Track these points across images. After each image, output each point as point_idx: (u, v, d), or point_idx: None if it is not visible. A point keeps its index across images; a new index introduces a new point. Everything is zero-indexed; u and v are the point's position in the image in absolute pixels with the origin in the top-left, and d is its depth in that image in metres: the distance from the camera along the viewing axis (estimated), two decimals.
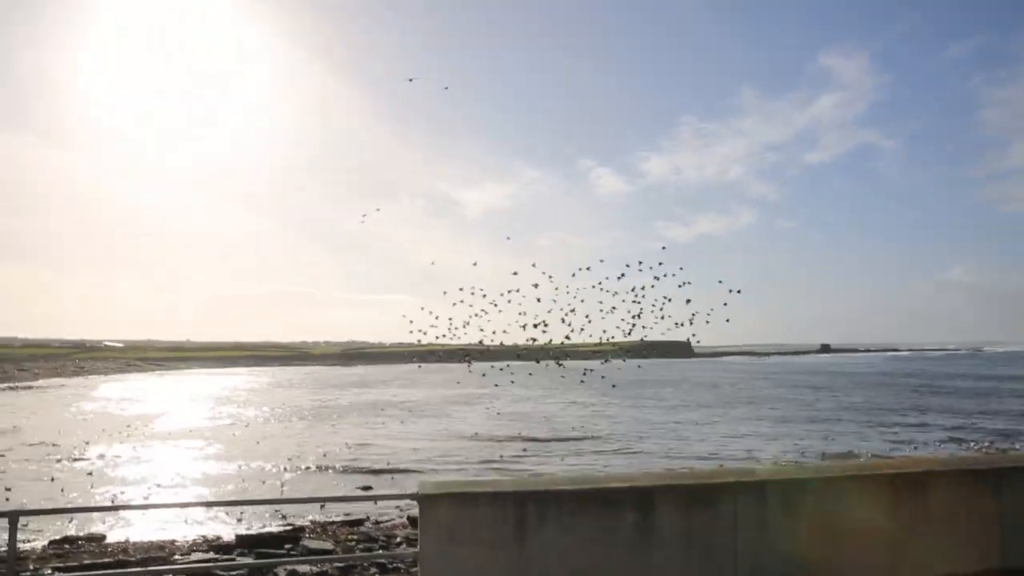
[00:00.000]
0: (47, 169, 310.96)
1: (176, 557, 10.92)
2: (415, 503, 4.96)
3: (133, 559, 10.49)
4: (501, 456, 23.91)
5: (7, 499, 17.20)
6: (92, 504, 16.69)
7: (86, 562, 10.33)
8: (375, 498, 6.13)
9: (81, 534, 12.81)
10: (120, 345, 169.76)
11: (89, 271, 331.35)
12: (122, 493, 18.02)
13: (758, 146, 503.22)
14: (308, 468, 22.01)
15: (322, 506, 15.10)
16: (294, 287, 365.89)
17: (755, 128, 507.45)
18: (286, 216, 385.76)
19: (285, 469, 21.76)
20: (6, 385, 66.72)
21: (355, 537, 12.35)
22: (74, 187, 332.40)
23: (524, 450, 25.41)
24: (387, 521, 14.17)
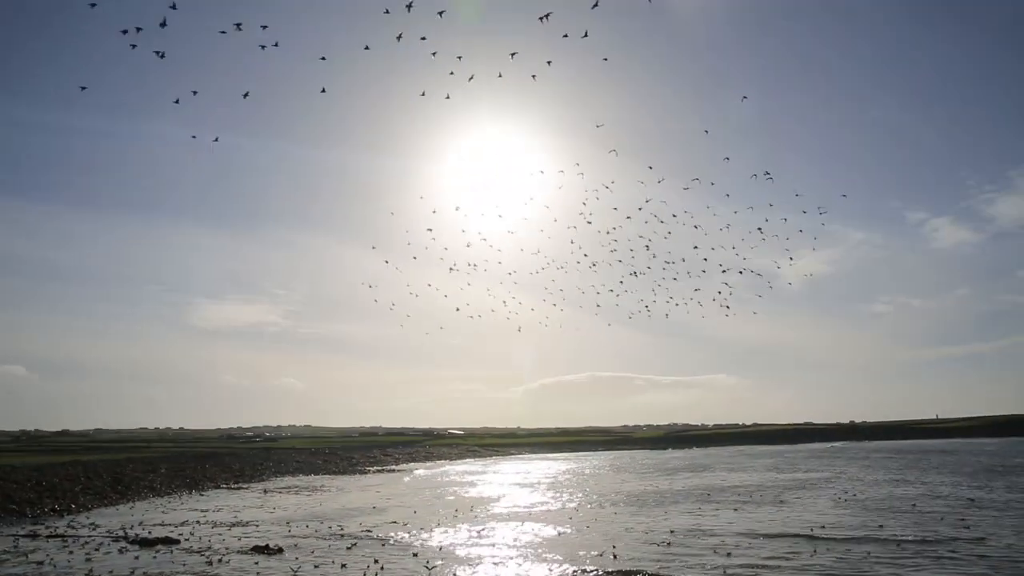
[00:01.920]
0: (404, 283, 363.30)
1: None
2: None
3: None
4: (867, 554, 20.42)
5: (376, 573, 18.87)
6: None
7: None
8: None
9: None
10: (461, 432, 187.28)
11: (433, 367, 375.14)
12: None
13: None
14: (639, 557, 20.99)
15: None
16: (612, 371, 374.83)
17: None
18: (596, 303, 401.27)
19: (614, 556, 20.99)
20: (375, 468, 76.63)
21: None
22: (432, 299, 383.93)
23: (888, 550, 21.55)
24: None
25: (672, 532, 25.47)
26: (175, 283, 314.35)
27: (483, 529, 27.43)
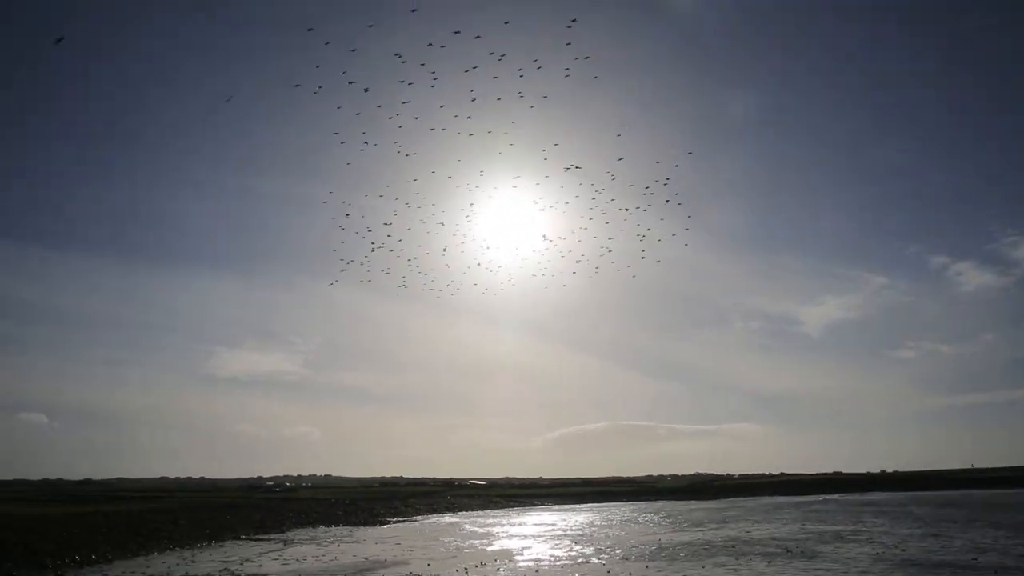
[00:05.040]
0: (428, 331, 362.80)
1: None
2: None
3: None
4: None
5: None
6: None
7: None
8: None
9: None
10: (483, 483, 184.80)
11: (453, 415, 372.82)
12: None
13: None
14: None
15: None
16: (634, 420, 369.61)
17: None
18: (616, 350, 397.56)
19: None
20: (396, 519, 75.58)
21: None
22: (449, 345, 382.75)
23: None
24: None
25: None
26: (193, 331, 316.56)
27: None
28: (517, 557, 37.21)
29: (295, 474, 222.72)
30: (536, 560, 35.69)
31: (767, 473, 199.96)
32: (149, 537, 44.97)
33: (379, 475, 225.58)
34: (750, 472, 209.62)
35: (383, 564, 34.32)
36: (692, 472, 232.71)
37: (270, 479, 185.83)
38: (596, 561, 34.89)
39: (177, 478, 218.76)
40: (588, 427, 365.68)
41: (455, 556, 38.06)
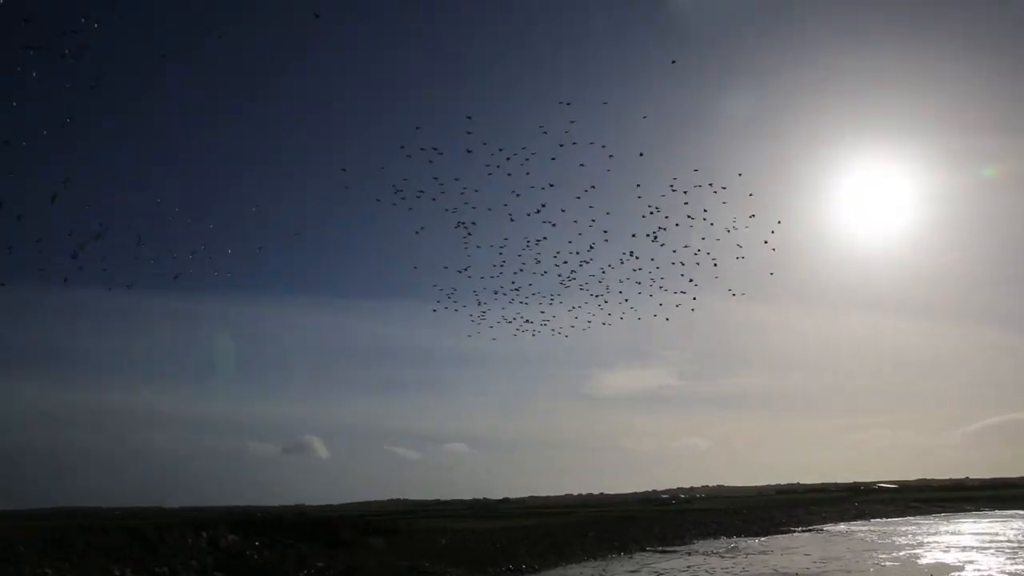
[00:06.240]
0: (798, 327, 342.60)
1: None
2: None
3: None
4: None
5: None
6: None
7: None
8: None
9: None
10: (893, 486, 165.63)
11: (850, 413, 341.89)
12: None
13: None
14: None
15: None
16: None
17: None
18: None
19: None
20: (800, 528, 71.27)
21: None
22: (821, 338, 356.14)
23: None
24: None
25: None
26: (571, 359, 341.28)
27: None
28: (958, 573, 32.15)
29: (687, 485, 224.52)
30: None
31: None
32: (564, 549, 48.72)
33: (773, 482, 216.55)
34: None
35: None
36: None
37: (663, 492, 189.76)
38: None
39: (580, 494, 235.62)
40: (1018, 417, 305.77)
41: (879, 569, 34.29)
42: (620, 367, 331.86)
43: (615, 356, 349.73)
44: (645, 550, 51.84)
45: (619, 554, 48.59)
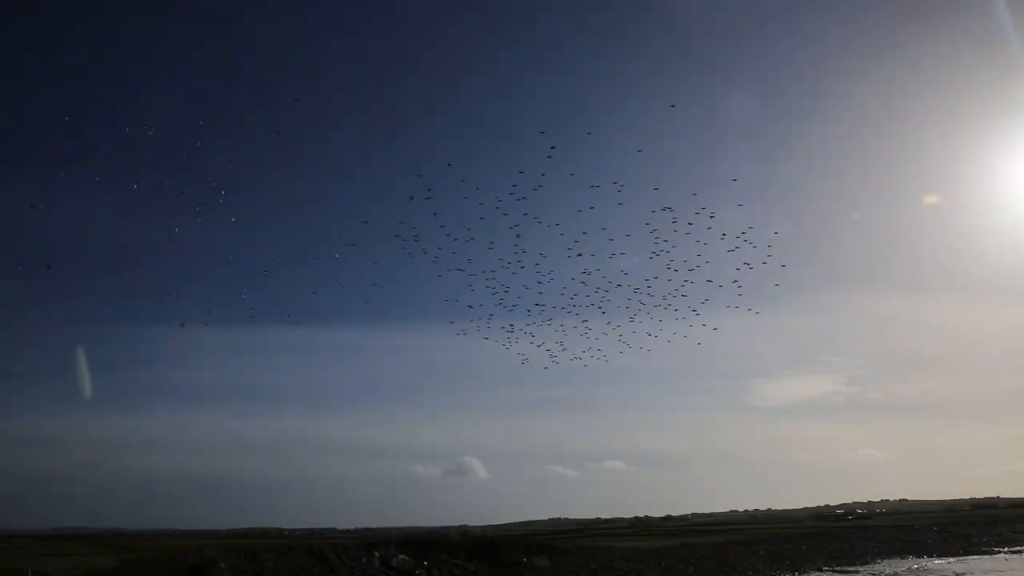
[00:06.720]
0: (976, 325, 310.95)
1: None
2: None
3: None
4: None
5: None
6: None
7: None
8: None
9: None
10: None
11: None
12: None
13: None
14: None
15: None
16: None
17: None
18: None
19: None
20: (1006, 549, 64.24)
21: None
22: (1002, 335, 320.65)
23: None
24: None
25: None
26: (728, 370, 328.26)
27: None
28: None
29: (864, 500, 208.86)
30: None
31: None
32: (734, 567, 46.80)
33: (966, 496, 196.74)
34: None
35: None
36: None
37: (838, 506, 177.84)
38: None
39: (746, 511, 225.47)
40: None
41: None
42: (781, 376, 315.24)
43: (774, 365, 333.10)
44: (821, 570, 48.76)
45: (792, 573, 46.02)
